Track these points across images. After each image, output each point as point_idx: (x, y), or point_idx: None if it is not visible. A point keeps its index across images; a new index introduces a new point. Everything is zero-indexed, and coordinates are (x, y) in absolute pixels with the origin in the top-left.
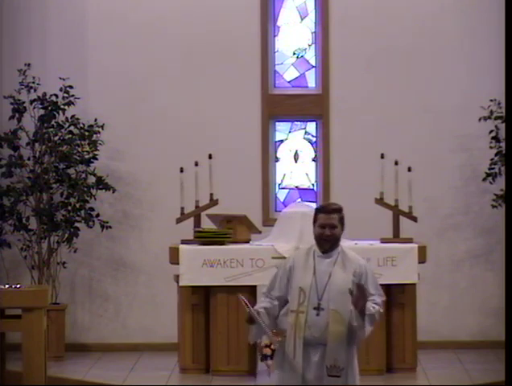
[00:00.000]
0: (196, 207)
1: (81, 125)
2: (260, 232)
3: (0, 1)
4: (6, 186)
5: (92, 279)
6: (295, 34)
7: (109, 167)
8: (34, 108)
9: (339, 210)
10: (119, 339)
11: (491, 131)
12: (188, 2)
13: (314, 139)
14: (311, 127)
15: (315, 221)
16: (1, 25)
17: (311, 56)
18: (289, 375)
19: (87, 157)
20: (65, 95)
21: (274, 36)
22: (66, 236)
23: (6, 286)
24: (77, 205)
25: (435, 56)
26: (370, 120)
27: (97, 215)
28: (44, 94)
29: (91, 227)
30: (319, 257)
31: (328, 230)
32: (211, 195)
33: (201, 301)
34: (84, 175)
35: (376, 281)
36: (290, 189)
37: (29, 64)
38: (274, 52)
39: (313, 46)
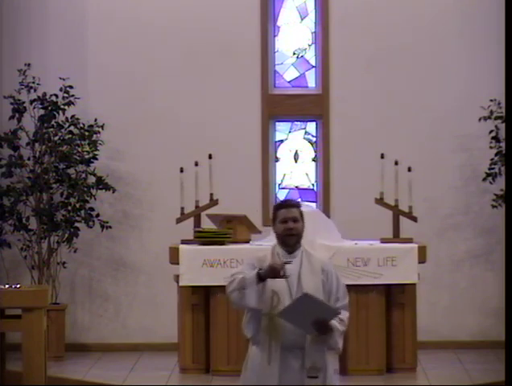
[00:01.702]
0: (196, 207)
1: (81, 125)
2: (260, 232)
3: (0, 1)
4: (6, 186)
5: (92, 279)
6: (295, 34)
7: (109, 167)
8: (34, 108)
9: (298, 205)
10: (119, 339)
11: (491, 131)
12: (188, 3)
13: (314, 139)
14: (311, 127)
15: (274, 219)
16: (1, 25)
17: (311, 56)
18: (264, 380)
19: (87, 157)
20: (65, 95)
21: (274, 36)
22: (66, 236)
23: (6, 286)
24: (77, 205)
25: (435, 56)
26: (370, 119)
27: (97, 215)
28: (44, 94)
29: (91, 227)
30: (284, 259)
31: (292, 223)
32: (211, 195)
33: (201, 301)
34: (84, 175)
35: (340, 279)
36: (290, 189)
37: (29, 64)
38: (274, 52)
39: (313, 46)
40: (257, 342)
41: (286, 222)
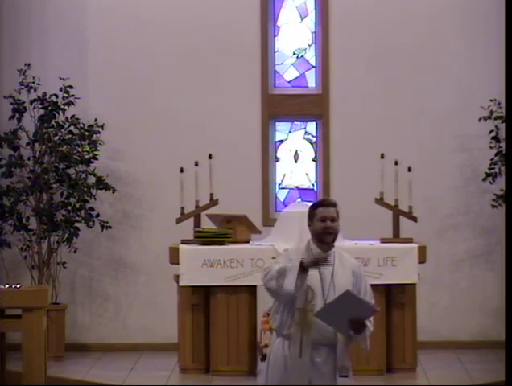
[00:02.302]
0: (196, 207)
1: (81, 125)
2: (260, 232)
3: (0, 1)
4: (6, 186)
5: (92, 279)
6: (295, 34)
7: (109, 167)
8: (34, 108)
9: (335, 204)
10: (119, 339)
11: (491, 131)
12: (188, 3)
13: (314, 139)
14: (311, 127)
15: (311, 217)
16: (1, 25)
17: (311, 56)
18: (292, 375)
19: (87, 157)
20: (65, 95)
21: (274, 36)
22: (66, 236)
23: (6, 286)
24: (77, 205)
25: (434, 56)
26: (370, 120)
27: (97, 215)
28: (44, 94)
29: (91, 227)
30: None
31: (330, 222)
32: (211, 195)
33: (201, 301)
34: (84, 175)
35: (367, 283)
36: (290, 189)
37: (29, 64)
38: (274, 52)
39: (313, 46)
40: (281, 334)
41: (324, 221)
